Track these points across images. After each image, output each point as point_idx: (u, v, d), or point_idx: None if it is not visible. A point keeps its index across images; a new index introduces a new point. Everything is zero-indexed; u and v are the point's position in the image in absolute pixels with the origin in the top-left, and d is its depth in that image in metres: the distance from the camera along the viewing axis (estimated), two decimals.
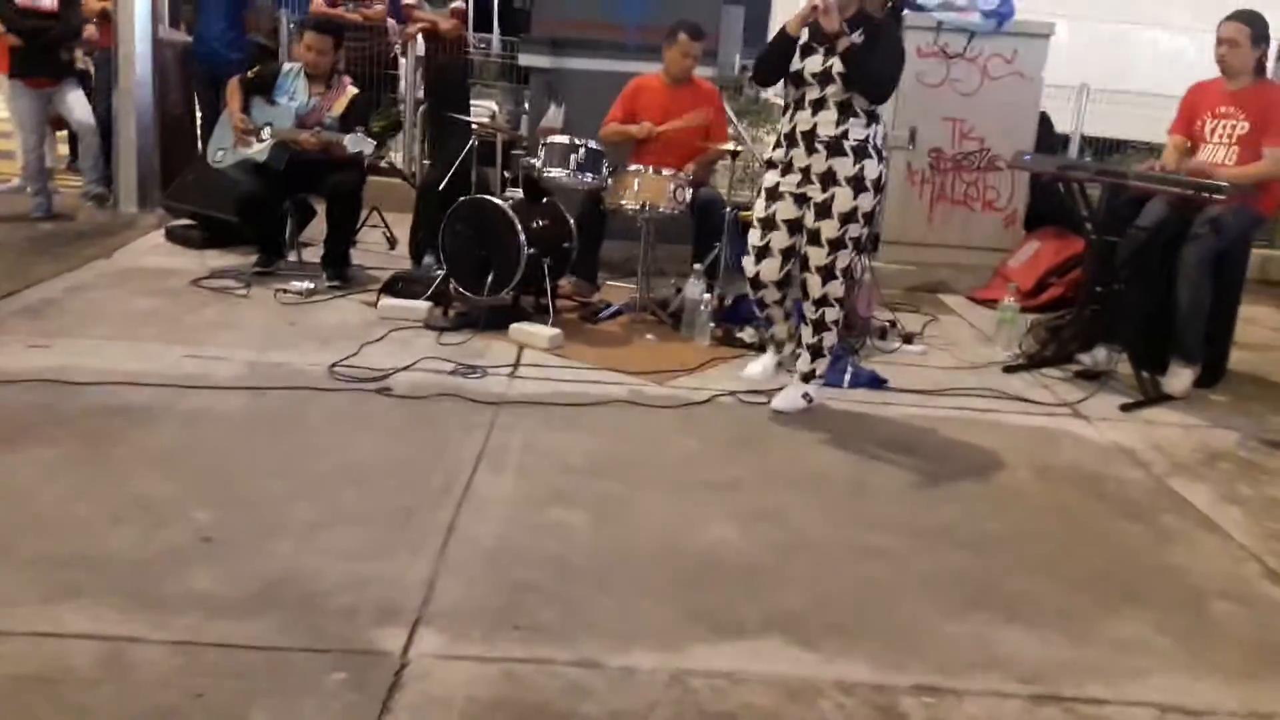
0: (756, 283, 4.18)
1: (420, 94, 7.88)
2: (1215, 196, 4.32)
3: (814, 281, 4.02)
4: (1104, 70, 8.65)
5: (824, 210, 3.92)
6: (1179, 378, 4.71)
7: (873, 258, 5.51)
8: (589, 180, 5.18)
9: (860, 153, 3.88)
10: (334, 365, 4.22)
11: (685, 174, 5.21)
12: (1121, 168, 5.15)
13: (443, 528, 2.96)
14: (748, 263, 4.17)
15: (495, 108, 7.88)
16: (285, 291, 5.20)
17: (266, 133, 5.37)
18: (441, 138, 6.32)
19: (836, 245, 3.96)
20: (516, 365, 4.45)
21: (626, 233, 5.62)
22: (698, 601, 2.70)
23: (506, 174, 5.57)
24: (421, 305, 4.98)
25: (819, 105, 3.89)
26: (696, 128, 5.43)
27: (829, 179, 3.90)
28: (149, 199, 6.76)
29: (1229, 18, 4.73)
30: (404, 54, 8.07)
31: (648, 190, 5.07)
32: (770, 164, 4.10)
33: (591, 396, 4.13)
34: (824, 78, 3.86)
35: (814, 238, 3.97)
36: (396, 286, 5.19)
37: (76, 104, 6.68)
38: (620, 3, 6.31)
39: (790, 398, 4.19)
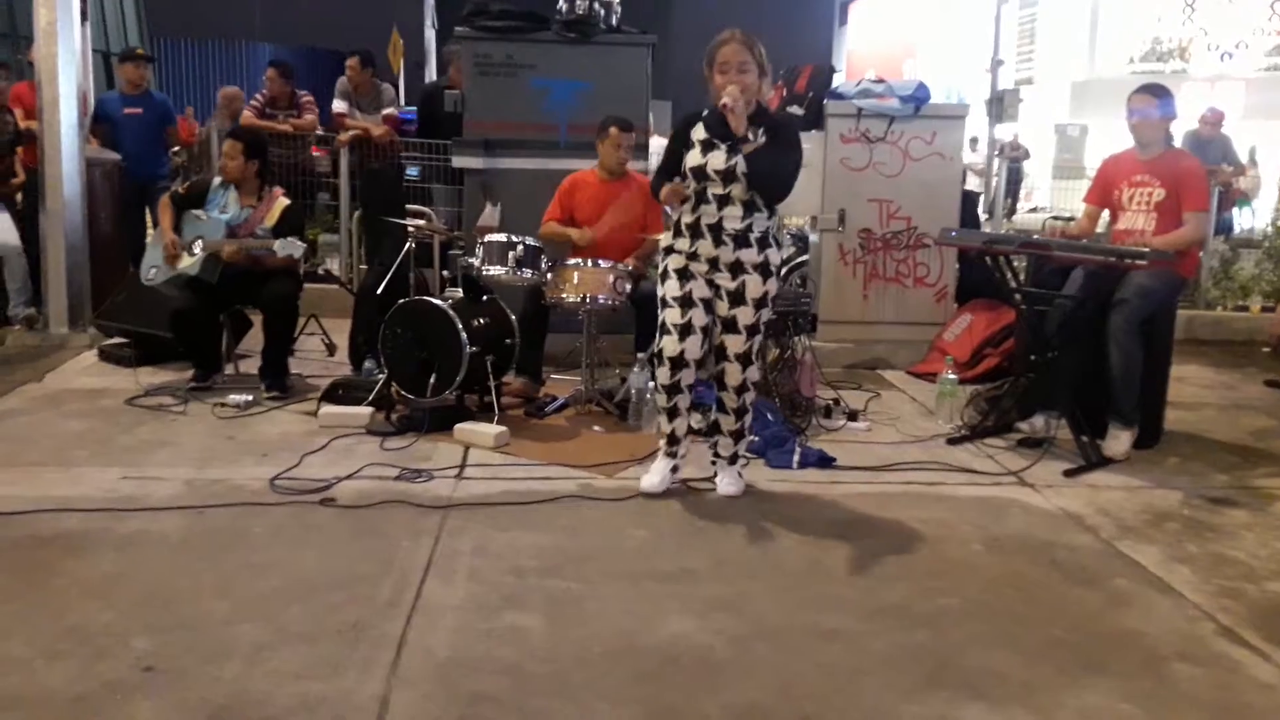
0: (679, 362, 4.00)
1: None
2: (1137, 262, 4.45)
3: (734, 370, 4.02)
4: None
5: (738, 297, 3.93)
6: (1118, 440, 4.79)
7: (811, 337, 5.57)
8: (529, 276, 5.21)
9: (764, 243, 3.92)
10: (275, 478, 4.14)
11: (625, 265, 5.26)
12: (1044, 239, 5.29)
13: (394, 641, 2.89)
14: (669, 343, 4.00)
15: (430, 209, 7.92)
16: (223, 405, 5.11)
17: (198, 246, 5.34)
18: (377, 242, 6.32)
19: (753, 331, 3.97)
20: (463, 466, 4.40)
21: (569, 326, 5.64)
22: (659, 700, 2.65)
23: (445, 274, 5.58)
24: (363, 411, 4.93)
25: (724, 201, 3.88)
26: (633, 221, 5.51)
27: (737, 268, 3.91)
28: (80, 319, 6.65)
29: (1139, 90, 4.94)
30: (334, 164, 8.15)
31: (588, 283, 5.10)
32: (670, 250, 4.04)
33: (541, 493, 4.08)
34: (728, 175, 3.85)
35: (731, 325, 3.97)
36: (337, 394, 5.13)
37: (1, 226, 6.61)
38: (550, 102, 6.43)
39: (733, 481, 4.21)
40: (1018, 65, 20.99)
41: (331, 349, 6.42)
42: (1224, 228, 10.24)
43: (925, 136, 6.59)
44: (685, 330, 3.98)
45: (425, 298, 5.04)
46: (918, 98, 6.56)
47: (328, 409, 4.99)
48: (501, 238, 5.21)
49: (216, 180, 5.65)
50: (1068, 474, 4.57)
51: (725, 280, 3.94)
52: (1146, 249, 4.47)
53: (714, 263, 3.93)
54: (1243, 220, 13.01)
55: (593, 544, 3.66)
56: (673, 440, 4.18)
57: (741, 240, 3.89)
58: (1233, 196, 10.87)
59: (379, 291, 5.35)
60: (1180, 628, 3.17)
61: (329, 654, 2.81)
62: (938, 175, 6.63)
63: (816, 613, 3.17)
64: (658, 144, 9.21)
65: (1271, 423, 5.67)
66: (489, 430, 4.70)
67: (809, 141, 6.56)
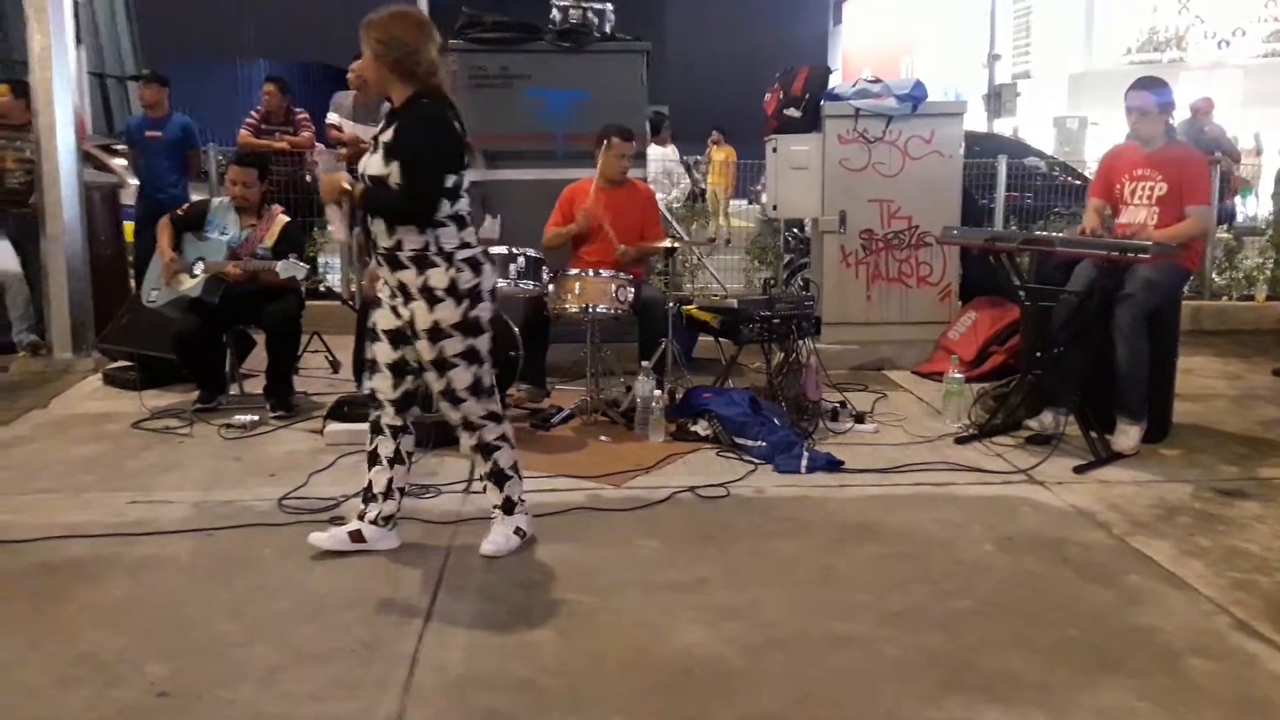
0: (374, 399, 3.62)
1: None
2: (1140, 256, 4.44)
3: (446, 408, 3.54)
4: None
5: (414, 331, 3.42)
6: (1127, 435, 4.78)
7: (816, 340, 5.56)
8: (530, 287, 5.21)
9: (421, 262, 3.35)
10: (283, 498, 4.14)
11: (626, 274, 5.26)
12: (1046, 235, 5.27)
13: (406, 659, 2.88)
14: (366, 377, 3.65)
15: None
16: (229, 426, 5.11)
17: (199, 268, 5.34)
18: None
19: (441, 366, 3.43)
20: (470, 480, 4.39)
21: (572, 336, 5.64)
22: (674, 711, 2.64)
23: None
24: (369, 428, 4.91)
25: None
26: (632, 227, 5.52)
27: (405, 294, 3.40)
28: (84, 344, 6.65)
29: (1135, 85, 4.93)
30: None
31: (590, 292, 5.10)
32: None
33: (549, 505, 4.07)
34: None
35: (421, 363, 3.50)
36: (342, 411, 5.12)
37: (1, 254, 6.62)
38: (546, 112, 6.43)
39: (501, 538, 3.64)
40: (1014, 59, 20.99)
41: (335, 366, 6.42)
42: (1226, 216, 10.23)
43: (924, 135, 6.58)
44: (372, 367, 3.60)
45: None
46: (915, 96, 6.55)
47: (333, 426, 4.99)
48: (502, 250, 5.21)
49: (217, 201, 5.65)
50: (1077, 470, 4.55)
51: (401, 307, 3.43)
52: (1149, 242, 4.45)
53: (389, 285, 3.45)
54: (1246, 208, 13.00)
55: (603, 555, 3.65)
56: (367, 495, 3.65)
57: (393, 261, 3.38)
58: (1235, 185, 10.85)
59: None
60: (1195, 623, 3.15)
61: (342, 674, 2.80)
62: (937, 173, 6.62)
63: (830, 619, 3.16)
64: (656, 152, 9.24)
65: None
66: None
67: (806, 143, 6.58)
